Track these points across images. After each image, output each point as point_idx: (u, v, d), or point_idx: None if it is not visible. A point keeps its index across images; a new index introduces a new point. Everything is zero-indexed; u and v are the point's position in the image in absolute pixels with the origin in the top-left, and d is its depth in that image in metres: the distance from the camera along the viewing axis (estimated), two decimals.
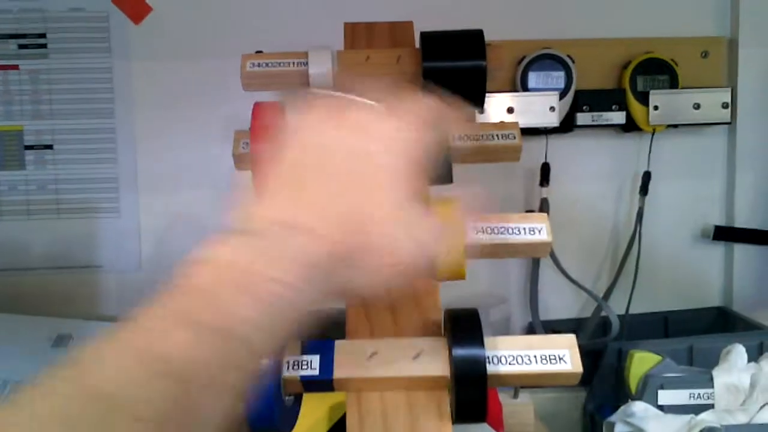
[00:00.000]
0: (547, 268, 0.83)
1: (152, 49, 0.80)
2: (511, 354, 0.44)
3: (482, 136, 0.57)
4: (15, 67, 0.79)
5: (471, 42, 0.58)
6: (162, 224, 0.81)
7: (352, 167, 0.36)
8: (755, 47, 0.83)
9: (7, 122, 0.79)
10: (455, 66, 0.58)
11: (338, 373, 0.44)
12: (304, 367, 0.44)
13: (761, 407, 0.58)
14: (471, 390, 0.43)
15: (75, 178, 0.80)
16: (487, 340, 0.44)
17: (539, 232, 0.50)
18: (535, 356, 0.44)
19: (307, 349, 0.45)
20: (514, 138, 0.57)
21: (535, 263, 0.84)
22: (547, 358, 0.45)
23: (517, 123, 0.58)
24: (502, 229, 0.50)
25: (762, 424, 0.56)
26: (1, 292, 0.80)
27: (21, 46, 0.79)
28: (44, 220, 0.80)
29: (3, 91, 0.79)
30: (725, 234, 0.86)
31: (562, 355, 0.45)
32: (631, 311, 0.85)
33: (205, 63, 0.80)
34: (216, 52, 0.79)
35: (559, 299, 0.85)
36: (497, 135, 0.57)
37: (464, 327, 0.44)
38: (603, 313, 0.82)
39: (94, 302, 0.81)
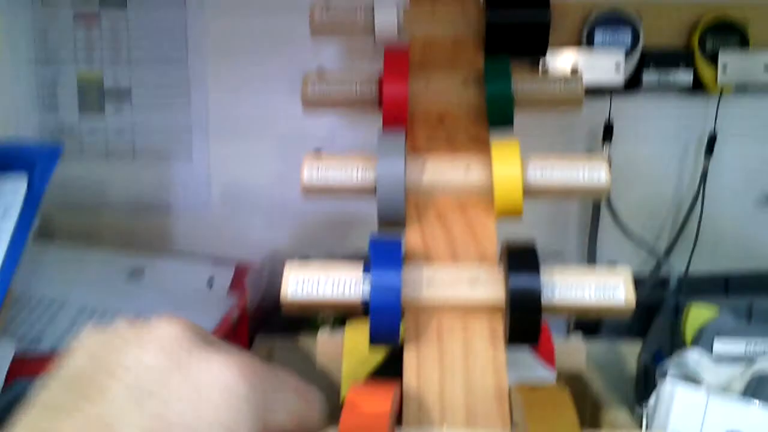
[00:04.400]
0: (606, 225, 0.84)
1: (224, 4, 0.83)
2: (566, 284, 0.46)
3: (545, 84, 0.58)
4: (96, 17, 0.83)
5: None
6: (230, 169, 0.85)
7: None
8: None
9: (89, 68, 0.83)
10: (518, 16, 0.58)
11: None
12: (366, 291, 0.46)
13: None
14: (526, 316, 0.45)
15: (150, 123, 0.84)
16: (543, 269, 0.45)
17: (598, 174, 0.51)
18: (589, 287, 0.46)
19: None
20: (577, 88, 0.58)
21: (595, 219, 0.84)
22: (602, 290, 0.46)
23: (580, 72, 0.59)
24: (561, 171, 0.51)
25: None
26: (80, 228, 0.84)
27: (102, 0, 0.83)
28: (121, 162, 0.84)
29: (86, 41, 0.83)
30: None
31: (617, 288, 0.46)
32: (692, 271, 0.85)
33: (274, 15, 0.82)
34: (284, 5, 0.82)
35: (618, 256, 0.85)
36: (561, 83, 0.58)
37: (522, 255, 0.46)
38: (661, 273, 0.83)
39: (165, 240, 0.85)
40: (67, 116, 0.84)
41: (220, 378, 0.27)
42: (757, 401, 0.50)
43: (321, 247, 0.85)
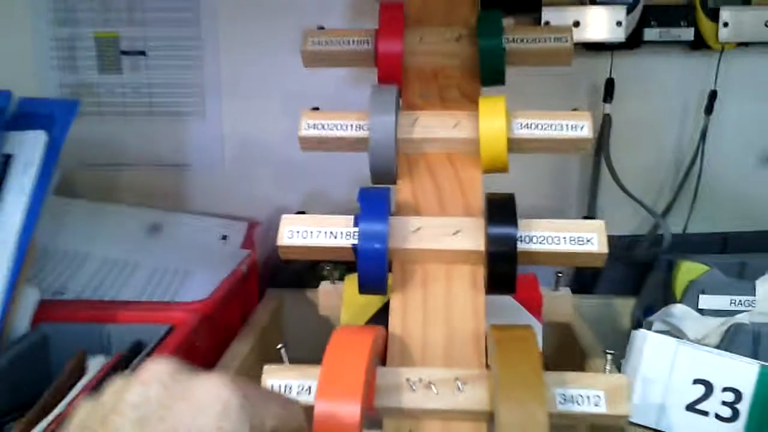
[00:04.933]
0: (606, 184, 0.85)
1: None
2: (542, 234, 0.48)
3: (536, 39, 0.60)
4: None
5: None
6: (241, 127, 0.88)
7: None
8: None
9: (105, 29, 0.86)
10: None
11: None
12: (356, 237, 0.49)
13: None
14: (503, 264, 0.47)
15: (165, 82, 0.87)
16: (521, 222, 0.48)
17: (581, 128, 0.53)
18: (564, 237, 0.48)
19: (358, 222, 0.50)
20: (567, 41, 0.59)
21: (595, 178, 0.86)
22: (576, 240, 0.48)
23: (570, 27, 0.60)
24: (545, 125, 0.53)
25: None
26: (100, 184, 0.88)
27: None
28: (138, 120, 0.88)
29: (102, 2, 0.86)
30: None
31: (590, 238, 0.48)
32: (690, 230, 0.87)
33: None
34: None
35: (618, 215, 0.87)
36: (550, 38, 0.59)
37: (500, 208, 0.48)
38: (660, 231, 0.85)
39: (181, 196, 0.89)
40: (85, 75, 0.87)
41: (217, 394, 0.30)
42: (726, 352, 0.52)
43: (328, 204, 0.88)
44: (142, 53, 0.86)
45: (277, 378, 0.45)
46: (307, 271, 0.83)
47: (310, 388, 0.44)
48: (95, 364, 0.56)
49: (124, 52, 0.86)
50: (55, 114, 0.62)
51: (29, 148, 0.60)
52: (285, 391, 0.44)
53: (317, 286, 0.69)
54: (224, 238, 0.85)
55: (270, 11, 0.85)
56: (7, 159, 0.59)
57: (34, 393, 0.56)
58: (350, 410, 0.39)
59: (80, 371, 0.56)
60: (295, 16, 0.84)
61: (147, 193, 0.89)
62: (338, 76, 0.84)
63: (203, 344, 0.62)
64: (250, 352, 0.65)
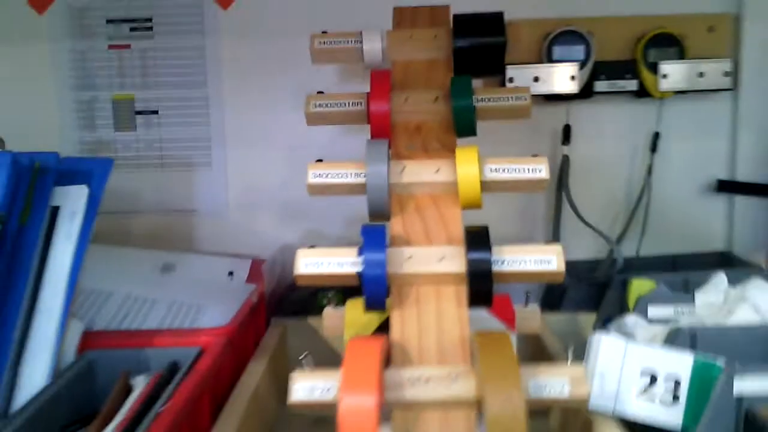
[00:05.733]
0: (567, 215, 0.97)
1: (238, 30, 0.96)
2: (511, 258, 0.59)
3: (500, 98, 0.71)
4: (128, 46, 0.97)
5: (493, 22, 0.72)
6: (245, 175, 0.99)
7: None
8: (757, 22, 0.95)
9: (122, 91, 0.97)
10: (479, 42, 0.72)
11: None
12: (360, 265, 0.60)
13: (727, 315, 0.71)
14: (481, 283, 0.58)
15: (175, 137, 0.98)
16: (494, 248, 0.59)
17: (539, 171, 0.65)
18: (529, 260, 0.59)
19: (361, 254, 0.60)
20: (525, 99, 0.71)
21: (558, 210, 0.98)
22: (539, 261, 0.59)
23: (528, 87, 0.72)
24: (511, 169, 0.65)
25: (718, 325, 0.69)
26: (116, 229, 0.98)
27: (132, 29, 0.96)
28: (150, 172, 0.98)
29: (118, 66, 0.97)
30: (727, 187, 0.98)
31: (550, 259, 0.59)
32: (642, 253, 0.99)
33: (279, 41, 0.96)
34: (288, 33, 0.96)
35: (579, 242, 0.99)
36: (511, 97, 0.71)
37: (477, 238, 0.59)
38: (615, 255, 0.96)
39: (190, 239, 0.99)
40: (103, 133, 0.98)
41: None
42: (666, 348, 0.63)
43: (324, 241, 0.99)
44: (155, 112, 0.97)
45: (304, 381, 0.55)
46: (307, 301, 0.93)
47: (330, 388, 0.54)
48: (139, 382, 0.66)
49: (139, 112, 0.97)
50: (93, 170, 0.72)
51: (73, 200, 0.70)
52: (311, 391, 0.54)
53: (317, 314, 0.79)
54: (230, 274, 0.95)
55: (269, 72, 0.97)
56: (55, 210, 0.69)
57: (85, 409, 0.66)
58: (369, 401, 0.49)
59: (127, 389, 0.65)
60: (291, 76, 0.96)
61: (158, 236, 0.99)
62: (330, 128, 0.95)
63: (226, 364, 0.72)
64: (265, 371, 0.75)
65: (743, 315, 0.69)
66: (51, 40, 0.96)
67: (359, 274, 0.59)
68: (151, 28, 0.96)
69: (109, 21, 0.96)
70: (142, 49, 0.96)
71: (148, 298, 0.88)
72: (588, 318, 0.90)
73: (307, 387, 0.55)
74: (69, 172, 0.71)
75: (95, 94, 0.97)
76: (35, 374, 0.64)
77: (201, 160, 0.98)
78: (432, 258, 0.61)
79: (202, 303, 0.88)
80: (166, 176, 0.99)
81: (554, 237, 0.98)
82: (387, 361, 0.58)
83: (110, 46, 0.96)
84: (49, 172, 0.68)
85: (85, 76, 0.96)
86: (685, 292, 0.81)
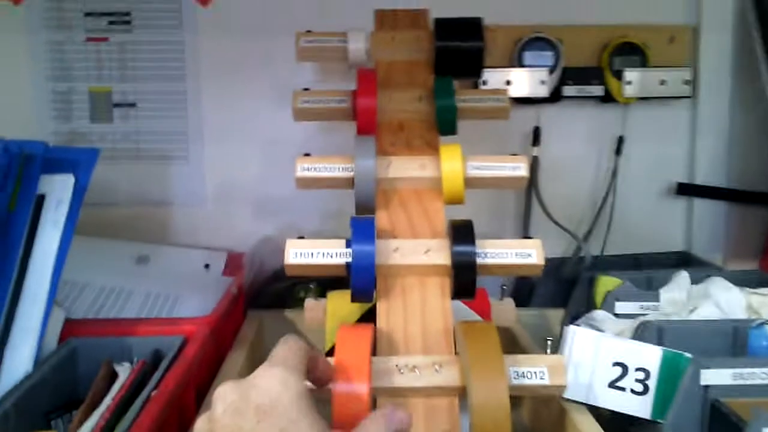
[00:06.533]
0: (536, 214, 1.01)
1: (216, 26, 0.97)
2: (494, 251, 0.62)
3: (480, 99, 0.74)
4: (106, 39, 0.97)
5: (472, 27, 0.75)
6: (222, 169, 1.00)
7: None
8: (715, 34, 1.00)
9: (99, 84, 0.97)
10: (459, 46, 0.75)
11: None
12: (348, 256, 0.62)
13: (690, 311, 0.75)
14: (465, 275, 0.61)
15: (152, 130, 0.98)
16: (478, 241, 0.62)
17: (519, 169, 0.68)
18: (511, 253, 0.62)
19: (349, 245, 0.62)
20: (504, 101, 0.74)
21: (527, 209, 1.01)
22: (520, 254, 0.62)
23: (507, 90, 0.76)
24: (492, 167, 0.68)
25: (683, 320, 0.73)
26: (92, 221, 0.97)
27: (110, 22, 0.96)
28: (127, 164, 0.99)
29: (96, 59, 0.97)
30: (687, 190, 1.03)
31: (530, 252, 0.62)
32: (607, 252, 1.03)
33: (258, 39, 0.97)
34: (266, 31, 0.97)
35: (547, 240, 1.00)
36: (491, 98, 0.74)
37: (462, 231, 0.62)
38: (582, 253, 1.00)
39: (166, 231, 1.00)
40: (79, 125, 0.97)
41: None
42: (637, 341, 0.67)
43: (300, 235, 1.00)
44: (133, 105, 0.97)
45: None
46: (284, 293, 0.94)
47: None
48: (123, 370, 0.66)
49: (116, 104, 0.97)
50: (79, 160, 0.72)
51: (60, 189, 0.70)
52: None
53: (293, 307, 0.81)
54: (207, 266, 0.96)
55: (247, 67, 0.98)
56: (41, 198, 0.69)
57: (68, 395, 0.66)
58: (361, 389, 0.51)
59: (112, 375, 0.66)
60: (270, 72, 0.97)
61: (134, 228, 0.99)
62: (307, 125, 0.97)
63: (208, 354, 0.73)
64: (245, 361, 0.76)
65: (706, 311, 0.73)
66: (28, 31, 0.96)
67: (348, 265, 0.61)
68: (129, 22, 0.97)
69: (87, 14, 0.96)
70: (120, 42, 0.97)
71: (124, 288, 0.89)
72: (556, 313, 0.93)
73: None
74: (55, 160, 0.71)
75: (72, 86, 0.97)
76: (19, 360, 0.64)
77: (178, 154, 0.99)
78: (418, 250, 0.63)
79: (178, 294, 0.89)
80: (142, 168, 0.99)
81: (524, 234, 1.01)
82: (373, 349, 0.60)
83: (88, 39, 0.96)
84: (36, 160, 0.68)
85: (62, 67, 0.96)
86: (649, 289, 0.85)
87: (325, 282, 0.81)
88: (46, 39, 0.96)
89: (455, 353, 0.59)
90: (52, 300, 0.67)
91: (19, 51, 0.96)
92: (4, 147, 0.63)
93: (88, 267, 0.91)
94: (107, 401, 0.62)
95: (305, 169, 0.68)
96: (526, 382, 0.56)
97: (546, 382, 0.57)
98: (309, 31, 0.80)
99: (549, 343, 0.60)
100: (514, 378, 0.56)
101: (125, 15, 0.96)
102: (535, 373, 0.57)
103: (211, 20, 0.97)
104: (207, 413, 0.41)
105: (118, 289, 0.89)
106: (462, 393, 0.56)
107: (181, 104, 0.98)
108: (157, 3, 0.97)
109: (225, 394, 0.41)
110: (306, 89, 0.76)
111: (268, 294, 0.95)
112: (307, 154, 0.69)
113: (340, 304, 0.76)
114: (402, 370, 0.57)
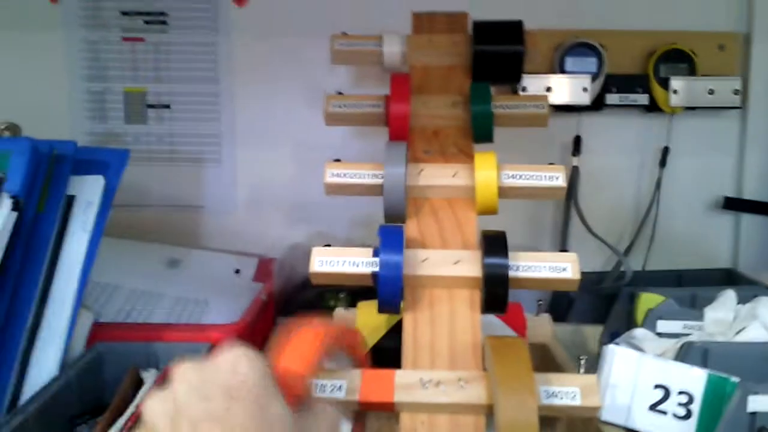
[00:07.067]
0: (575, 226, 0.98)
1: (250, 28, 0.96)
2: (528, 264, 0.60)
3: (518, 105, 0.72)
4: (141, 39, 0.97)
5: (512, 30, 0.73)
6: (254, 173, 0.99)
7: None
8: (766, 42, 0.96)
9: (134, 84, 0.97)
10: (498, 50, 0.73)
11: None
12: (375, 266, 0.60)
13: (736, 332, 0.72)
14: (496, 288, 0.58)
15: (186, 132, 0.98)
16: (511, 254, 0.59)
17: (557, 179, 0.65)
18: (545, 266, 0.60)
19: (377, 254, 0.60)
20: (543, 108, 0.72)
21: (566, 221, 0.98)
22: (554, 268, 0.60)
23: (546, 96, 0.73)
24: (528, 176, 0.65)
25: (730, 342, 0.70)
26: (125, 223, 0.97)
27: (146, 22, 0.96)
28: (160, 166, 0.98)
29: (131, 59, 0.97)
30: (734, 204, 0.99)
31: (565, 267, 0.60)
32: (648, 267, 0.99)
33: (292, 41, 0.96)
34: (300, 33, 0.96)
35: (586, 253, 0.97)
36: (529, 105, 0.72)
37: (494, 242, 0.60)
38: (622, 268, 0.97)
39: (198, 235, 0.99)
40: (114, 125, 0.97)
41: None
42: (680, 362, 0.63)
43: (330, 241, 0.99)
44: (167, 106, 0.97)
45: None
46: (314, 301, 0.93)
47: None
48: (149, 376, 0.66)
49: (150, 106, 0.97)
50: (109, 161, 0.72)
51: (89, 190, 0.70)
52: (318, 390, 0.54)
53: (324, 314, 0.79)
54: (237, 271, 0.95)
55: (280, 71, 0.97)
56: (71, 199, 0.69)
57: (93, 401, 0.65)
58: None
59: (138, 382, 0.65)
60: (303, 75, 0.96)
61: (165, 231, 0.99)
62: (341, 130, 0.95)
63: None
64: None
65: (754, 333, 0.69)
66: (64, 29, 0.96)
67: (374, 275, 0.59)
68: (165, 22, 0.96)
69: (123, 13, 0.96)
70: (155, 42, 0.96)
71: (154, 292, 0.88)
72: (594, 329, 0.90)
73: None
74: (85, 161, 0.70)
75: (107, 86, 0.97)
76: (45, 364, 0.64)
77: (211, 156, 0.98)
78: (447, 261, 0.61)
79: (208, 299, 0.88)
80: (175, 171, 0.99)
81: (562, 247, 0.98)
82: (398, 362, 0.58)
83: (124, 39, 0.96)
84: (66, 160, 0.68)
85: (97, 67, 0.96)
86: (693, 307, 0.82)
87: (355, 291, 0.79)
88: (82, 38, 0.96)
89: (483, 369, 0.56)
90: (79, 303, 0.67)
91: (56, 50, 0.96)
92: (33, 146, 0.63)
93: (119, 269, 0.90)
94: (132, 408, 0.61)
95: (334, 175, 0.66)
96: (557, 402, 0.54)
97: (578, 402, 0.54)
98: (344, 34, 0.78)
99: (582, 362, 0.57)
100: (545, 397, 0.54)
101: (161, 15, 0.96)
102: (566, 393, 0.54)
103: (245, 22, 0.97)
104: (163, 393, 0.38)
105: (149, 292, 0.88)
106: (489, 411, 0.53)
107: (215, 106, 0.97)
108: (192, 2, 0.96)
109: (186, 374, 0.38)
110: (339, 93, 0.74)
111: (297, 302, 0.94)
112: (337, 160, 0.67)
113: (370, 315, 0.74)
114: (426, 385, 0.55)
